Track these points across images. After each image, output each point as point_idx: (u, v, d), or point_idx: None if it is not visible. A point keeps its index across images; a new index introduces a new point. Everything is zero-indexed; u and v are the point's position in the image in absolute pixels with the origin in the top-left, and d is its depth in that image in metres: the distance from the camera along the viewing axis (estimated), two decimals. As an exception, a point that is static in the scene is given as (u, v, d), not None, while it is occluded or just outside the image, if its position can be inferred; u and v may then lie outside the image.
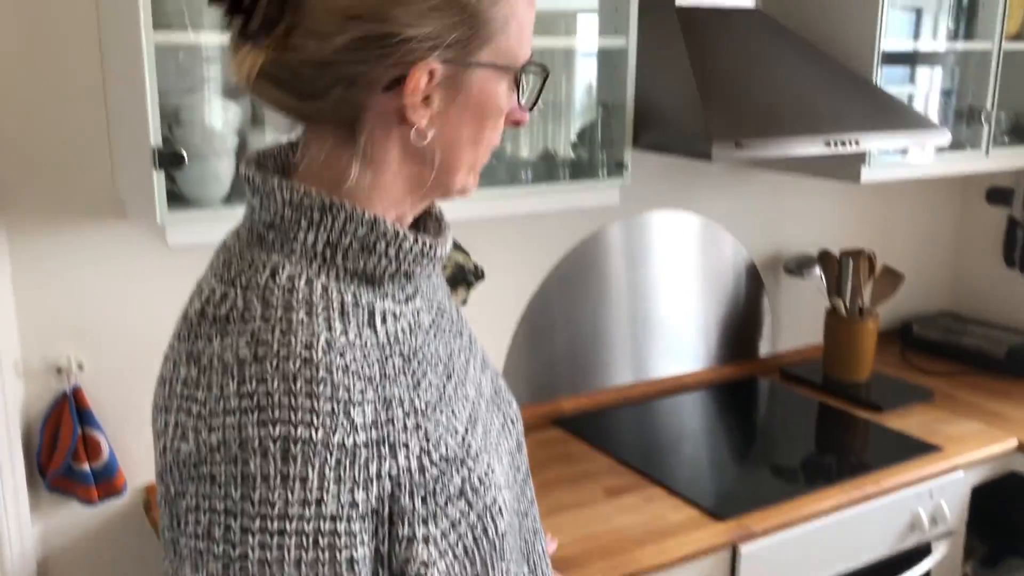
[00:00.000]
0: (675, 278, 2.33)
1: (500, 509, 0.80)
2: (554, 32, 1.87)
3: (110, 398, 1.66)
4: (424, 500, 0.74)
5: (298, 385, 0.68)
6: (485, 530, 0.79)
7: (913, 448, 2.02)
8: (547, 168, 1.83)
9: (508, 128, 0.84)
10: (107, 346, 1.65)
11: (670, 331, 2.35)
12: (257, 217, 0.78)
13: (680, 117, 1.76)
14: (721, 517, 1.72)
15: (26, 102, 1.53)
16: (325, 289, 0.75)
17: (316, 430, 0.68)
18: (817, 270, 2.43)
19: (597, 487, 1.84)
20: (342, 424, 0.69)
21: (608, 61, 1.81)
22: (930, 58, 2.33)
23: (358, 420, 0.70)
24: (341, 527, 0.69)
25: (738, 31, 1.98)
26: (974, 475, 2.06)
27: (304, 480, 0.68)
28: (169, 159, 1.33)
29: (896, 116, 1.93)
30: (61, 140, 1.56)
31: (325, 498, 0.68)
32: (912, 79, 2.34)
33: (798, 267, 2.46)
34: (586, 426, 2.11)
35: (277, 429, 0.67)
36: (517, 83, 0.80)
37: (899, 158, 2.17)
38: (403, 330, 0.79)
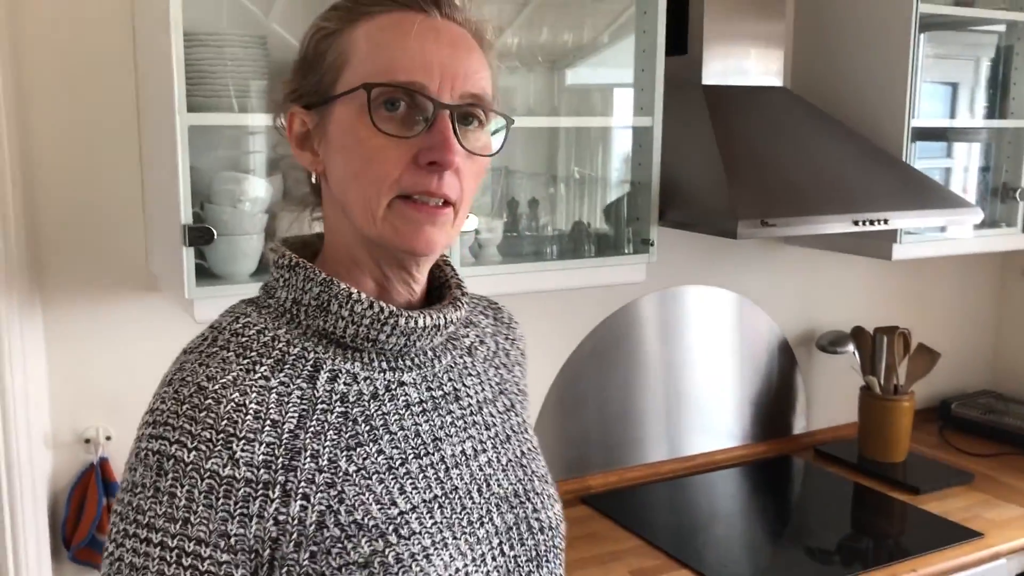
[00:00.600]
0: (706, 353, 2.31)
1: None
2: (588, 109, 1.91)
3: (136, 469, 1.67)
4: (313, 556, 0.74)
5: (184, 408, 0.74)
6: None
7: (953, 533, 1.96)
8: (573, 244, 1.84)
9: (482, 181, 0.84)
10: (135, 418, 1.65)
11: (702, 407, 2.32)
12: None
13: (706, 195, 1.76)
14: (750, 603, 1.67)
15: (66, 181, 1.58)
16: (275, 339, 0.80)
17: (189, 452, 0.72)
18: (851, 347, 2.39)
19: (623, 568, 1.80)
20: (218, 453, 0.72)
21: (635, 139, 1.83)
22: (966, 134, 2.32)
23: (241, 455, 0.73)
24: (206, 552, 0.71)
25: (765, 109, 1.99)
26: (1017, 563, 1.98)
27: (172, 496, 0.72)
28: (198, 236, 1.36)
29: (927, 194, 1.92)
30: (99, 217, 1.61)
31: (192, 519, 0.71)
32: (949, 154, 2.34)
33: (831, 344, 2.43)
34: (614, 504, 2.08)
35: (158, 444, 0.73)
36: (369, 101, 0.77)
37: (935, 235, 2.15)
38: (359, 393, 0.81)
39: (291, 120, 0.84)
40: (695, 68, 1.95)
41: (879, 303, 2.57)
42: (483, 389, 0.92)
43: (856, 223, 1.75)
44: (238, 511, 0.72)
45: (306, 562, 0.74)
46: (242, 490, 0.72)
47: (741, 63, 1.99)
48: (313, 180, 0.86)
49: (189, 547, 0.71)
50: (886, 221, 1.79)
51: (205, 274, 1.44)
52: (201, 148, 1.41)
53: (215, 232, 1.38)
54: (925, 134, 2.16)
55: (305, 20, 0.86)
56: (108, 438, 1.64)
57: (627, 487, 2.17)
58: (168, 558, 0.71)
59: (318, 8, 0.85)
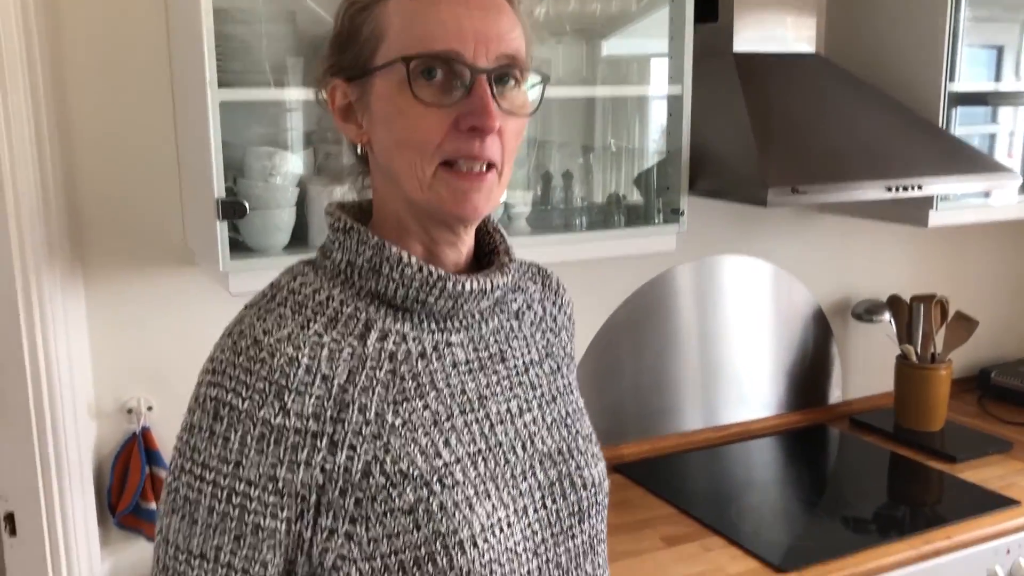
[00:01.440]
0: (741, 323, 2.31)
1: (461, 542, 0.80)
2: (620, 80, 1.90)
3: (178, 439, 1.71)
4: (358, 502, 0.78)
5: (240, 359, 0.79)
6: (432, 557, 0.80)
7: (989, 501, 1.94)
8: (603, 215, 1.84)
9: (517, 143, 0.84)
10: (175, 388, 1.69)
11: (736, 376, 2.32)
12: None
13: (736, 163, 1.75)
14: (783, 569, 1.67)
15: (104, 157, 1.61)
16: (329, 298, 0.83)
17: (244, 400, 0.77)
18: (887, 316, 2.37)
19: (655, 535, 1.81)
20: (271, 403, 0.77)
21: (668, 108, 1.81)
22: (1011, 98, 2.27)
23: (292, 406, 0.77)
24: (255, 493, 0.77)
25: (797, 76, 1.97)
26: (1055, 531, 1.96)
27: (227, 440, 0.77)
28: (231, 209, 1.39)
29: (963, 160, 1.89)
30: (137, 193, 1.64)
31: (243, 462, 0.77)
32: (994, 119, 2.29)
33: (867, 313, 2.40)
34: (647, 472, 2.09)
35: (215, 391, 0.79)
36: (408, 73, 0.79)
37: (973, 201, 2.12)
38: (408, 352, 0.84)
39: (332, 93, 0.87)
40: (726, 35, 1.93)
41: (916, 271, 2.54)
42: (529, 351, 0.95)
43: (889, 189, 1.73)
44: (287, 458, 0.77)
45: (351, 507, 0.78)
46: (291, 439, 0.77)
47: (773, 30, 1.96)
48: (359, 151, 0.89)
49: (239, 487, 0.77)
50: (920, 187, 1.77)
51: (239, 247, 1.46)
52: (234, 123, 1.42)
53: (248, 206, 1.40)
54: (967, 99, 2.11)
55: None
56: (149, 408, 1.68)
57: (661, 456, 2.18)
58: (219, 495, 0.77)
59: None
